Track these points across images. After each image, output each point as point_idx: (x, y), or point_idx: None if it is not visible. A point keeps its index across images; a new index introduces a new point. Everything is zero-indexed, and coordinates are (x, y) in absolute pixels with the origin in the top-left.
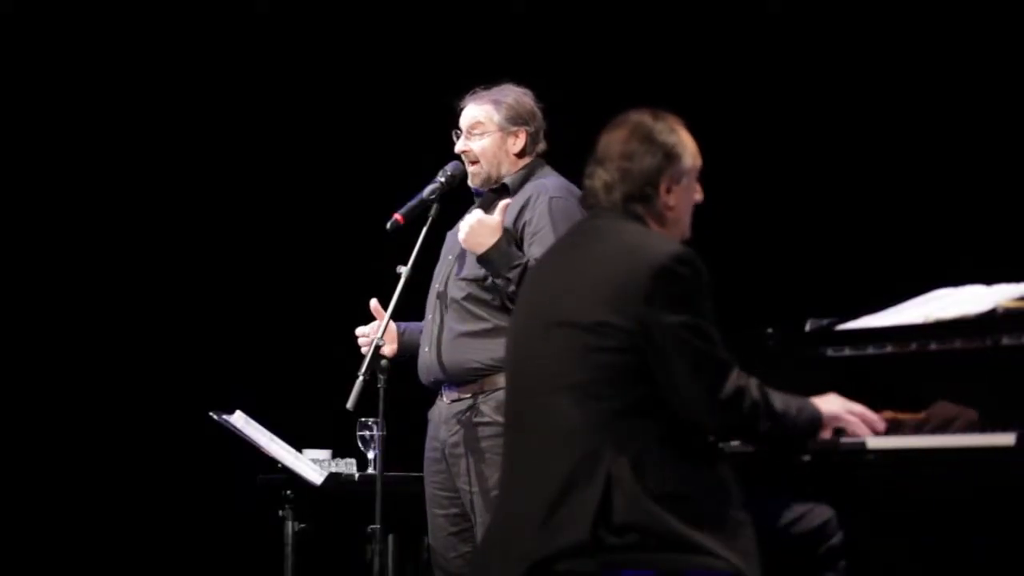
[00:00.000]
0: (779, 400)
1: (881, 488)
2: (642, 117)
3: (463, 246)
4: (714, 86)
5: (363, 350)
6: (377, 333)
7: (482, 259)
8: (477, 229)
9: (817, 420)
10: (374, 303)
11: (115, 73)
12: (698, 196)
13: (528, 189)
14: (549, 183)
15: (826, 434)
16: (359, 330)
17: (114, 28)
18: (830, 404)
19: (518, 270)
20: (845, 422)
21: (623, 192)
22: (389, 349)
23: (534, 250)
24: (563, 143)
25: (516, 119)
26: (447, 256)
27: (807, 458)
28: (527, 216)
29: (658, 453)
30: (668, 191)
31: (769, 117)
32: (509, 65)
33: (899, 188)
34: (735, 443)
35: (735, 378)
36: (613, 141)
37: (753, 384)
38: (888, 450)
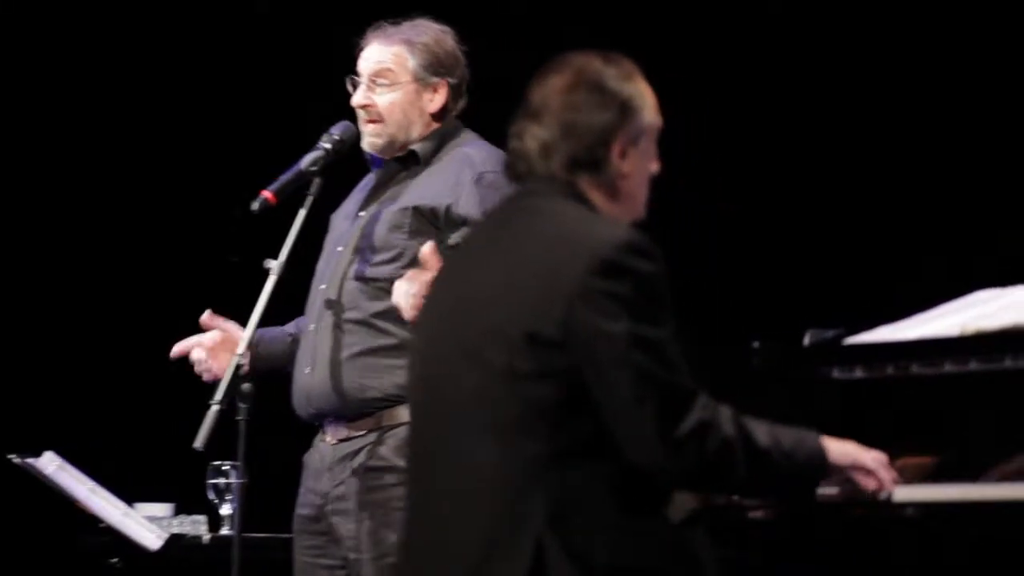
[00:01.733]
0: (764, 435)
1: (924, 557)
2: (589, 60)
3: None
4: (713, 85)
5: (200, 368)
6: (239, 348)
7: None
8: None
9: (820, 461)
10: (206, 316)
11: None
12: (654, 166)
13: (446, 161)
14: (474, 153)
15: (833, 486)
16: (184, 345)
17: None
18: (841, 443)
19: None
20: (860, 470)
21: (565, 154)
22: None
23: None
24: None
25: (436, 67)
26: (335, 248)
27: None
28: (450, 199)
29: (606, 512)
30: (623, 155)
31: (764, 109)
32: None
33: (924, 162)
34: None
35: (698, 408)
36: (552, 90)
37: (724, 416)
38: (933, 503)
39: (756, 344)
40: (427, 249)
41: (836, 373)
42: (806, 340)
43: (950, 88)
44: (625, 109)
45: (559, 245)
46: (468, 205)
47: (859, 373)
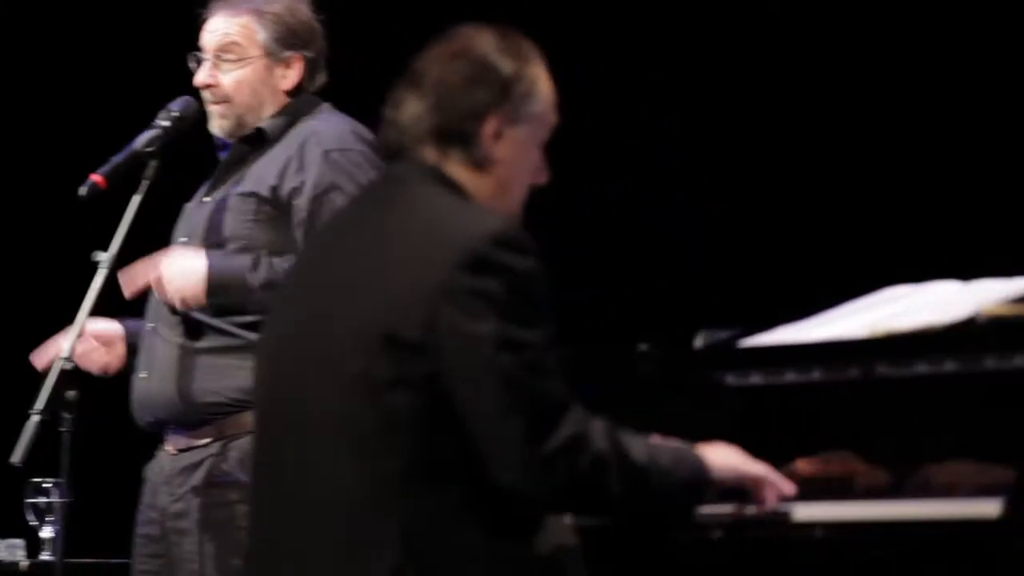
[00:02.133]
0: (640, 450)
1: None
2: (480, 33)
3: (177, 307)
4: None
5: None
6: (63, 351)
7: (212, 305)
8: (179, 277)
9: (702, 477)
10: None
11: None
12: (542, 176)
13: (292, 138)
14: (323, 128)
15: (717, 503)
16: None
17: None
18: (724, 456)
19: (262, 272)
20: (748, 482)
21: (434, 125)
22: (115, 357)
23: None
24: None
25: (289, 40)
26: (178, 239)
27: (718, 535)
28: (293, 181)
29: (472, 539)
30: (497, 135)
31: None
32: None
33: (828, 151)
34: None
35: (569, 422)
36: (435, 59)
37: (597, 430)
38: (846, 524)
39: (643, 347)
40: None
41: (730, 379)
42: (697, 342)
43: (869, 84)
44: (506, 89)
45: (424, 237)
46: (312, 187)
47: (756, 379)
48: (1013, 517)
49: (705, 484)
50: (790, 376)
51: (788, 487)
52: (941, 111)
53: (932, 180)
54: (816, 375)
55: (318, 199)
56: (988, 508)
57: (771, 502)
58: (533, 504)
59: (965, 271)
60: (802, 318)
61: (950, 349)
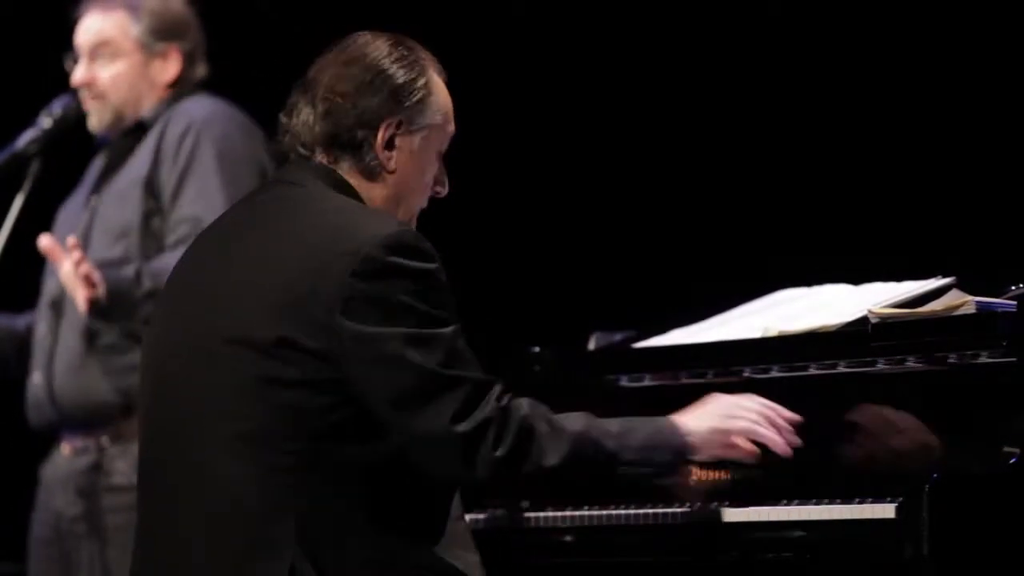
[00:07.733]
0: (581, 421)
1: None
2: (375, 40)
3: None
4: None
5: None
6: None
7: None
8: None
9: (668, 442)
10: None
11: None
12: (440, 189)
13: (162, 123)
14: (198, 109)
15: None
16: None
17: None
18: (705, 417)
19: (146, 283)
20: (734, 444)
21: (325, 132)
22: None
23: (183, 213)
24: None
25: (164, 33)
26: (64, 236)
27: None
28: (165, 167)
29: (368, 536)
30: (389, 144)
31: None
32: None
33: (722, 155)
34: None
35: (495, 397)
36: (328, 64)
37: (525, 404)
38: (751, 524)
39: (537, 349)
40: (45, 242)
41: (624, 381)
42: (591, 344)
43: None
44: (398, 96)
45: (319, 242)
46: (189, 169)
47: (649, 381)
48: (906, 518)
49: (674, 449)
50: (684, 379)
51: (789, 414)
52: (823, 113)
53: (820, 182)
54: (709, 377)
55: (181, 179)
56: (880, 510)
57: (781, 448)
58: (477, 483)
59: (855, 274)
60: (696, 320)
61: (841, 351)
